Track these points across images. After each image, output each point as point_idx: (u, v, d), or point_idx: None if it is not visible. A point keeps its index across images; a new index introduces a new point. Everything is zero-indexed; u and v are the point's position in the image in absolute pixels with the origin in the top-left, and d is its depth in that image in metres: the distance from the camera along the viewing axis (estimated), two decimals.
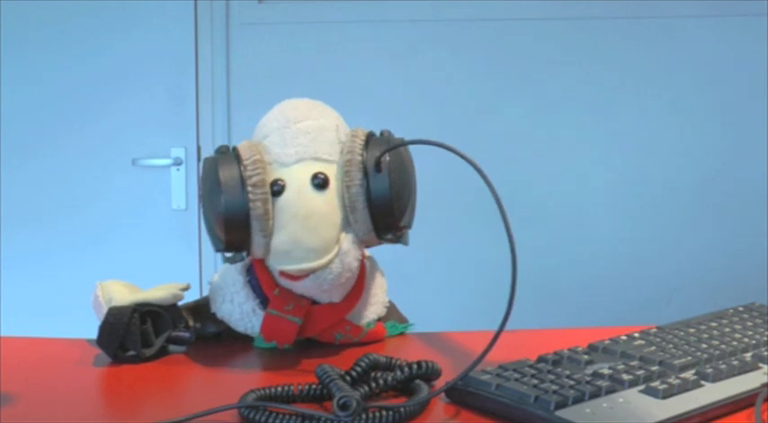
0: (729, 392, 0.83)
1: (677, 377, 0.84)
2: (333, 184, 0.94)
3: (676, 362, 0.87)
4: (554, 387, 0.80)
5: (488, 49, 2.57)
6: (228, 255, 0.96)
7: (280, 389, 0.83)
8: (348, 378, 0.84)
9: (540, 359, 0.89)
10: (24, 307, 2.55)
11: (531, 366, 0.86)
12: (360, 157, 0.93)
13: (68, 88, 2.58)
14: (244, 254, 0.95)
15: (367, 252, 1.05)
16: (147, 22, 2.57)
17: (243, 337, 1.04)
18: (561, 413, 0.76)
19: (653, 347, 0.92)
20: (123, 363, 0.99)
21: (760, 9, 2.52)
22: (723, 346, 0.93)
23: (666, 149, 2.59)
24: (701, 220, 2.59)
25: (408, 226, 0.96)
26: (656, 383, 0.82)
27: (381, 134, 0.97)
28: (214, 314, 1.04)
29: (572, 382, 0.81)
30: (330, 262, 0.93)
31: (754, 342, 0.95)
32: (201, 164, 0.98)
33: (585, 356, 0.89)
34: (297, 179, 0.94)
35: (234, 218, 0.92)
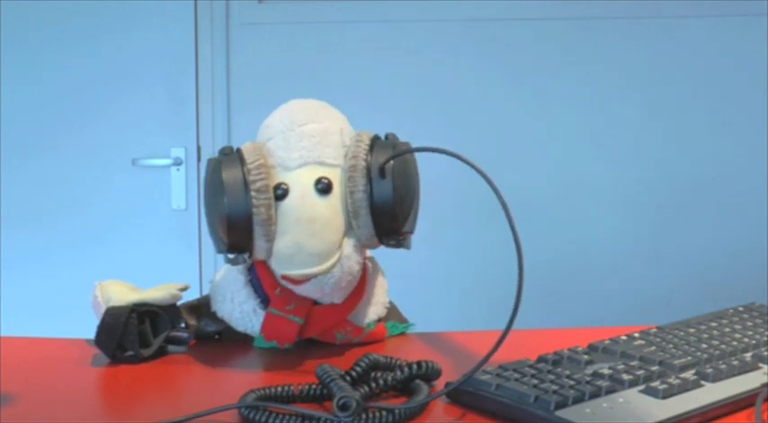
0: (729, 392, 0.83)
1: (677, 377, 0.84)
2: (336, 188, 0.94)
3: (676, 362, 0.87)
4: (554, 387, 0.80)
5: (488, 49, 2.57)
6: (231, 256, 0.96)
7: (280, 389, 0.83)
8: (348, 378, 0.84)
9: (540, 359, 0.89)
10: (24, 307, 2.55)
11: (531, 366, 0.86)
12: (364, 163, 0.93)
13: (68, 88, 2.58)
14: (246, 255, 0.95)
15: (368, 253, 1.05)
16: (147, 22, 2.57)
17: (243, 337, 1.04)
18: (561, 413, 0.76)
19: (653, 347, 0.92)
20: (122, 363, 0.99)
21: (760, 9, 2.52)
22: (723, 346, 0.93)
23: (666, 149, 2.59)
24: (701, 220, 2.59)
25: (411, 231, 0.96)
26: (656, 383, 0.82)
27: (386, 137, 0.97)
28: (214, 313, 1.04)
29: (572, 382, 0.81)
30: (332, 267, 0.93)
31: (754, 342, 0.95)
32: (205, 165, 0.98)
33: (585, 356, 0.89)
34: (300, 184, 0.94)
35: (237, 221, 0.92)
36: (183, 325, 1.04)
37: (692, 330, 0.98)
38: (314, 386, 0.84)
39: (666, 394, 0.81)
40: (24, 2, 2.55)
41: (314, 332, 1.02)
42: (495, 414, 0.81)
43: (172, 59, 2.58)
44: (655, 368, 0.86)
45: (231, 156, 0.95)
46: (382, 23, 2.57)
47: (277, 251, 0.93)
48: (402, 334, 1.10)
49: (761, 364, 0.89)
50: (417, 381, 0.86)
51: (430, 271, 2.58)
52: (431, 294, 2.55)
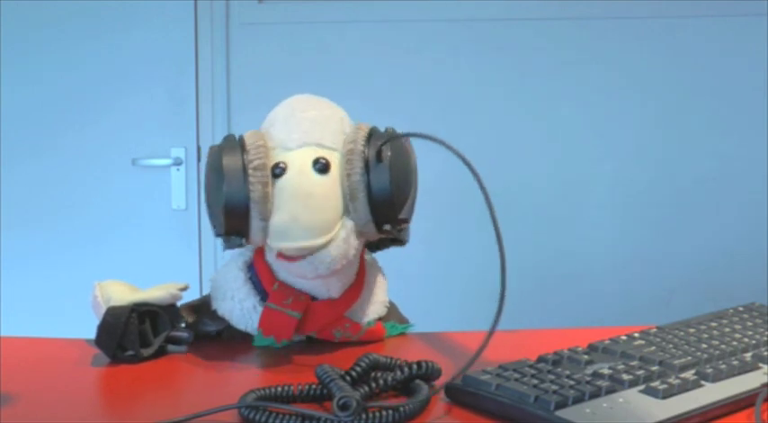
0: (729, 392, 0.83)
1: (677, 377, 0.84)
2: (334, 170, 0.95)
3: (676, 362, 0.87)
4: (554, 387, 0.80)
5: (488, 49, 2.57)
6: (227, 239, 0.96)
7: (280, 389, 0.83)
8: (348, 378, 0.84)
9: (540, 359, 0.89)
10: (24, 307, 2.55)
11: (531, 366, 0.86)
12: (362, 147, 0.94)
13: (68, 88, 2.58)
14: (243, 240, 0.95)
15: (367, 252, 1.05)
16: (147, 22, 2.57)
17: (243, 336, 1.04)
18: (561, 413, 0.76)
19: (653, 347, 0.92)
20: (122, 363, 0.99)
21: (760, 9, 2.52)
22: (723, 346, 0.93)
23: (666, 149, 2.59)
24: (701, 220, 2.59)
25: (407, 220, 0.97)
26: (656, 383, 0.82)
27: (386, 130, 0.98)
28: (215, 312, 1.04)
29: (572, 382, 0.81)
30: (328, 243, 0.93)
31: (754, 342, 0.95)
32: (207, 152, 0.99)
33: (585, 356, 0.89)
34: (299, 162, 0.95)
35: (233, 201, 0.93)
36: (183, 324, 1.04)
37: (692, 330, 0.98)
38: (314, 386, 0.84)
39: (666, 394, 0.81)
40: (24, 2, 2.55)
41: (312, 328, 1.02)
42: (494, 414, 0.81)
43: (172, 59, 2.58)
44: (655, 368, 0.86)
45: (232, 140, 0.96)
46: (382, 23, 2.57)
47: (273, 225, 0.93)
48: (401, 334, 1.10)
49: (761, 364, 0.89)
50: (417, 381, 0.86)
51: (430, 271, 2.58)
52: (430, 294, 2.55)
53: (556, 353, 0.90)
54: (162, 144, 2.60)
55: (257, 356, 1.02)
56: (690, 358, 0.89)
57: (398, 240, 1.02)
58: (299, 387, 0.84)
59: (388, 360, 0.89)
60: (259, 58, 2.57)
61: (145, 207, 2.62)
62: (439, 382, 0.88)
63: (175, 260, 2.59)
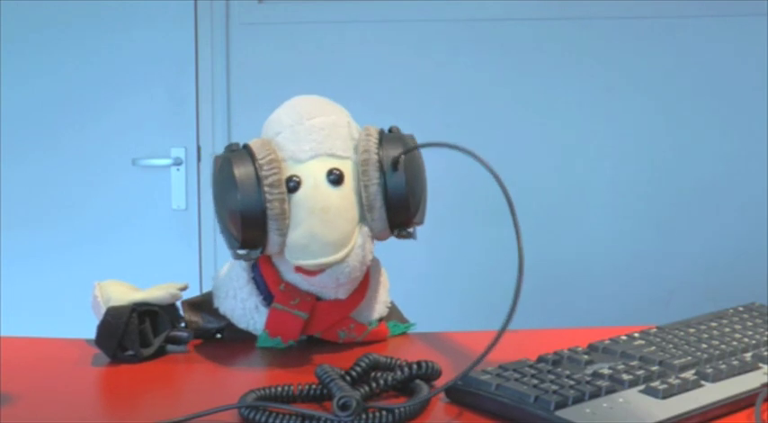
0: (729, 392, 0.83)
1: (677, 377, 0.84)
2: (348, 180, 0.95)
3: (676, 362, 0.87)
4: (554, 387, 0.80)
5: (489, 49, 2.57)
6: (242, 252, 0.96)
7: (280, 389, 0.83)
8: (348, 378, 0.84)
9: (540, 359, 0.89)
10: (24, 307, 2.55)
11: (531, 366, 0.86)
12: (376, 156, 0.94)
13: (68, 88, 2.58)
14: (258, 251, 0.95)
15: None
16: (147, 22, 2.57)
17: (244, 335, 1.04)
18: (561, 413, 0.76)
19: (653, 347, 0.92)
20: (122, 362, 0.99)
21: (760, 9, 2.52)
22: (723, 346, 0.93)
23: (666, 149, 2.59)
24: (701, 220, 2.59)
25: (421, 222, 0.98)
26: (656, 383, 0.82)
27: (390, 130, 0.98)
28: (216, 310, 1.04)
29: (572, 382, 0.81)
30: (346, 256, 0.94)
31: (754, 342, 0.95)
32: (213, 162, 0.98)
33: (585, 356, 0.89)
34: (312, 175, 0.94)
35: (251, 217, 0.92)
36: (182, 324, 1.04)
37: (692, 330, 0.98)
38: (314, 386, 0.84)
39: (666, 394, 0.81)
40: (25, 2, 2.55)
41: (318, 329, 1.02)
42: (494, 414, 0.81)
43: (172, 59, 2.58)
44: (655, 368, 0.86)
45: (240, 152, 0.95)
46: (382, 23, 2.57)
47: (291, 242, 0.93)
48: (403, 334, 1.10)
49: (761, 364, 0.89)
50: (417, 381, 0.86)
51: (430, 271, 2.58)
52: (431, 294, 2.55)
53: (556, 353, 0.90)
54: (162, 144, 2.60)
55: (257, 356, 1.02)
56: (690, 358, 0.89)
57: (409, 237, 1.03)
58: (299, 387, 0.84)
59: (388, 360, 0.89)
60: (259, 58, 2.57)
61: (145, 207, 2.62)
62: (439, 383, 0.88)
63: (175, 260, 2.59)
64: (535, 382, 0.81)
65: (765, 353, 0.92)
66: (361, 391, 0.82)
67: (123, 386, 0.93)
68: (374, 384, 0.84)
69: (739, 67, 2.55)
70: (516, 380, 0.82)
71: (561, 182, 2.60)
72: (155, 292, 1.02)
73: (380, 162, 0.94)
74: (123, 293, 1.02)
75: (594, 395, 0.80)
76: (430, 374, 0.88)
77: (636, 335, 0.97)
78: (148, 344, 1.00)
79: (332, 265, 0.94)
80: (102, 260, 2.57)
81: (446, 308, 2.54)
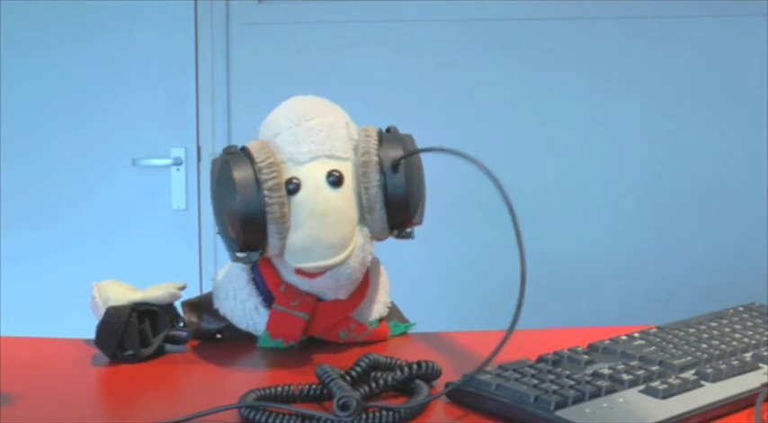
0: (729, 392, 0.83)
1: (677, 377, 0.84)
2: (348, 182, 0.95)
3: (676, 362, 0.87)
4: (554, 387, 0.80)
5: (489, 49, 2.57)
6: (242, 255, 0.95)
7: (280, 389, 0.83)
8: (348, 378, 0.84)
9: (540, 359, 0.89)
10: (24, 307, 2.55)
11: (531, 366, 0.86)
12: (376, 158, 0.94)
13: (68, 88, 2.58)
14: (258, 254, 0.94)
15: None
16: (147, 22, 2.57)
17: (244, 335, 1.04)
18: (561, 413, 0.76)
19: (653, 347, 0.92)
20: (122, 362, 0.99)
21: (760, 9, 2.52)
22: (723, 346, 0.93)
23: (666, 149, 2.59)
24: (701, 220, 2.59)
25: (419, 222, 0.98)
26: (656, 383, 0.82)
27: (388, 130, 0.98)
28: (216, 311, 1.04)
29: (572, 382, 0.81)
30: (347, 258, 0.94)
31: (754, 342, 0.95)
32: (211, 164, 0.98)
33: (585, 356, 0.89)
34: (312, 177, 0.94)
35: (251, 221, 0.91)
36: (181, 324, 1.04)
37: (692, 330, 0.98)
38: (314, 386, 0.84)
39: (666, 394, 0.81)
40: (25, 1, 2.55)
41: (319, 330, 1.02)
42: (495, 414, 0.81)
43: (172, 59, 2.58)
44: (655, 368, 0.86)
45: (239, 154, 0.94)
46: (382, 23, 2.57)
47: (291, 245, 0.93)
48: (403, 334, 1.10)
49: (761, 364, 0.89)
50: (417, 381, 0.86)
51: (430, 271, 2.58)
52: (431, 294, 2.55)
53: (556, 353, 0.90)
54: (162, 144, 2.60)
55: (257, 356, 1.02)
56: (690, 358, 0.89)
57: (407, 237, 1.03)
58: (299, 387, 0.84)
59: (388, 360, 0.89)
60: (259, 58, 2.57)
61: (145, 207, 2.62)
62: (439, 383, 0.88)
63: (175, 260, 2.59)
64: (535, 382, 0.81)
65: (765, 353, 0.92)
66: (361, 391, 0.82)
67: (123, 386, 0.93)
68: (374, 384, 0.84)
69: (739, 67, 2.55)
70: (516, 380, 0.82)
71: (561, 182, 2.60)
72: (154, 292, 1.02)
73: (380, 164, 0.94)
74: (122, 293, 1.02)
75: (594, 395, 0.80)
76: (430, 374, 0.88)
77: (636, 335, 0.97)
78: (148, 344, 1.00)
79: (332, 268, 0.94)
80: (102, 260, 2.57)
81: (447, 308, 2.54)
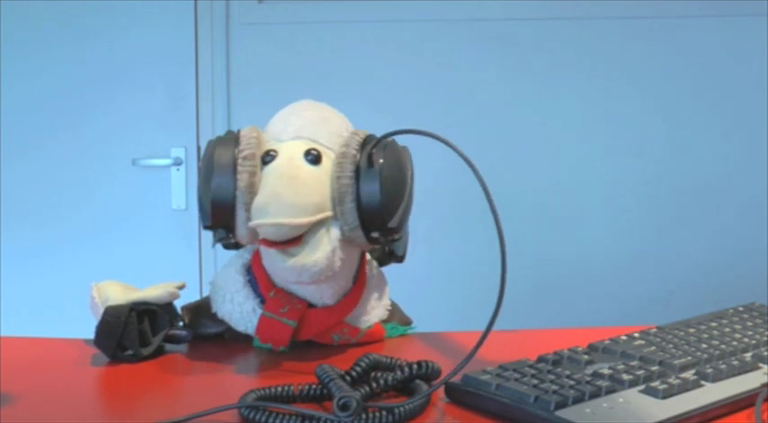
0: (729, 392, 0.83)
1: (677, 377, 0.84)
2: (326, 164, 0.94)
3: (676, 362, 0.87)
4: (554, 387, 0.80)
5: (489, 49, 2.57)
6: (216, 235, 0.97)
7: (280, 389, 0.83)
8: (348, 378, 0.84)
9: (540, 359, 0.89)
10: (24, 306, 2.55)
11: (531, 366, 0.86)
12: (354, 152, 0.93)
13: (68, 88, 2.58)
14: (229, 234, 0.95)
15: (368, 257, 1.05)
16: (148, 22, 2.57)
17: (244, 337, 1.04)
18: (561, 413, 0.76)
19: (653, 347, 0.92)
20: (121, 362, 0.99)
21: (760, 9, 2.52)
22: (723, 346, 0.93)
23: (666, 149, 2.59)
24: (701, 220, 2.59)
25: (397, 229, 0.94)
26: (656, 383, 0.82)
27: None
28: (215, 314, 1.04)
29: (572, 382, 0.81)
30: (306, 225, 0.91)
31: (754, 342, 0.95)
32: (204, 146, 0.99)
33: (585, 356, 0.89)
34: (289, 151, 0.95)
35: (220, 192, 0.92)
36: (181, 323, 1.04)
37: (692, 330, 0.98)
38: (314, 386, 0.84)
39: (666, 394, 0.81)
40: (25, 1, 2.55)
41: (309, 335, 1.01)
42: (495, 414, 0.81)
43: (172, 59, 2.58)
44: (655, 368, 0.86)
45: (229, 134, 0.97)
46: (382, 23, 2.57)
47: (254, 204, 0.92)
48: (402, 336, 1.10)
49: (761, 364, 0.89)
50: (417, 381, 0.86)
51: (430, 271, 2.58)
52: (431, 294, 2.55)
53: (556, 353, 0.90)
54: (162, 144, 2.60)
55: (257, 356, 1.02)
56: (690, 358, 0.89)
57: (395, 255, 1.02)
58: (299, 387, 0.84)
59: (389, 360, 0.89)
60: (259, 58, 2.57)
61: (145, 207, 2.62)
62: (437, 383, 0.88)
63: (175, 260, 2.59)
64: (535, 382, 0.81)
65: (765, 353, 0.92)
66: (361, 391, 0.82)
67: (123, 386, 0.93)
68: (374, 384, 0.84)
69: (739, 67, 2.55)
70: (516, 380, 0.82)
71: (561, 182, 2.60)
72: (153, 292, 1.02)
73: (357, 158, 0.93)
74: (121, 293, 1.02)
75: (594, 395, 0.80)
76: (430, 374, 0.88)
77: (636, 335, 0.97)
78: (147, 343, 1.00)
79: (291, 231, 0.90)
80: (102, 260, 2.57)
81: (446, 308, 2.54)
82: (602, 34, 2.56)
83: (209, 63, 2.58)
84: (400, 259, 1.04)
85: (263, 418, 0.78)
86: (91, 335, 1.00)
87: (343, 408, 0.76)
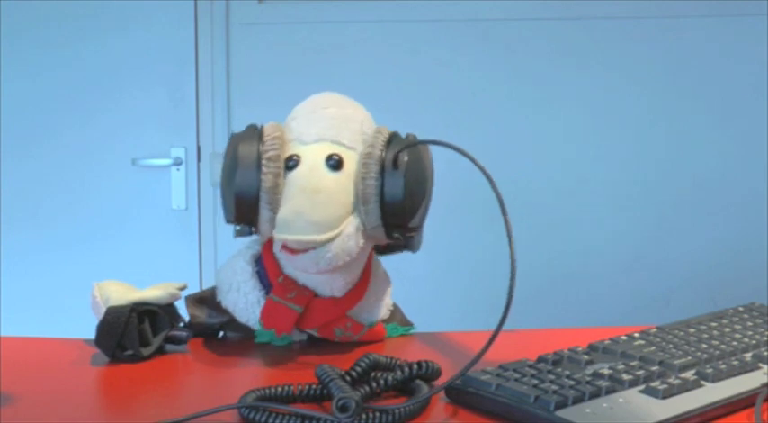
0: (729, 392, 0.83)
1: (677, 377, 0.84)
2: (348, 168, 0.95)
3: (676, 362, 0.87)
4: (554, 387, 0.80)
5: (488, 49, 2.57)
6: (237, 228, 0.97)
7: (280, 389, 0.83)
8: (348, 378, 0.84)
9: (540, 359, 0.89)
10: (24, 306, 2.55)
11: (531, 366, 0.86)
12: (380, 152, 0.94)
13: (68, 88, 2.58)
14: (252, 229, 0.96)
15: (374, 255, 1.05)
16: (148, 22, 2.57)
17: (244, 332, 1.04)
18: (561, 413, 0.76)
19: (653, 347, 0.92)
20: (121, 362, 0.99)
21: (760, 9, 2.52)
22: (723, 346, 0.93)
23: (666, 149, 2.59)
24: (702, 219, 2.59)
25: (417, 228, 0.97)
26: (656, 383, 0.82)
27: (407, 136, 0.98)
28: (219, 303, 1.05)
29: (572, 382, 0.81)
30: (330, 240, 0.93)
31: (754, 342, 0.95)
32: (228, 139, 0.99)
33: (585, 356, 0.89)
34: (312, 156, 0.95)
35: (245, 189, 0.94)
36: (181, 324, 1.04)
37: (692, 330, 0.98)
38: (314, 386, 0.84)
39: (666, 394, 0.81)
40: (25, 1, 2.55)
41: (313, 325, 1.02)
42: (495, 414, 0.81)
43: (172, 59, 2.58)
44: (655, 368, 0.86)
45: (252, 130, 0.97)
46: (382, 23, 2.57)
47: (278, 217, 0.94)
48: (402, 336, 1.10)
49: (761, 364, 0.89)
50: (417, 381, 0.86)
51: (430, 271, 2.58)
52: (431, 294, 2.55)
53: (556, 353, 0.90)
54: (162, 144, 2.60)
55: (257, 356, 1.02)
56: (690, 358, 0.89)
57: (409, 247, 1.02)
58: (299, 387, 0.84)
59: (389, 360, 0.89)
60: (259, 57, 2.57)
61: (145, 207, 2.62)
62: (439, 383, 0.88)
63: (175, 260, 2.59)
64: (535, 382, 0.81)
65: (765, 353, 0.92)
66: (361, 391, 0.82)
67: (123, 386, 0.93)
68: (374, 384, 0.84)
69: (739, 67, 2.55)
70: (516, 380, 0.82)
71: (561, 181, 2.60)
72: (154, 292, 1.02)
73: (383, 159, 0.94)
74: (122, 293, 1.02)
75: (594, 395, 0.80)
76: (430, 374, 0.88)
77: (636, 335, 0.97)
78: (148, 343, 1.00)
79: (313, 246, 0.93)
80: (102, 260, 2.57)
81: (446, 308, 2.54)
82: (602, 34, 2.56)
83: (209, 63, 2.58)
84: (413, 251, 1.04)
85: (263, 419, 0.78)
86: (91, 335, 1.00)
87: (342, 409, 0.76)
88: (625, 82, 2.57)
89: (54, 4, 2.56)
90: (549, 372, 0.84)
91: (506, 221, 0.82)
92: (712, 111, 2.57)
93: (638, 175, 2.59)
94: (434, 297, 2.55)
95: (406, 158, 0.94)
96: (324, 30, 2.56)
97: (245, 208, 0.94)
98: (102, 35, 2.57)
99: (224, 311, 1.05)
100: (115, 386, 0.94)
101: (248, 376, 0.97)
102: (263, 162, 0.93)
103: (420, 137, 0.98)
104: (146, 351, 0.99)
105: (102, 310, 0.99)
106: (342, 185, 0.95)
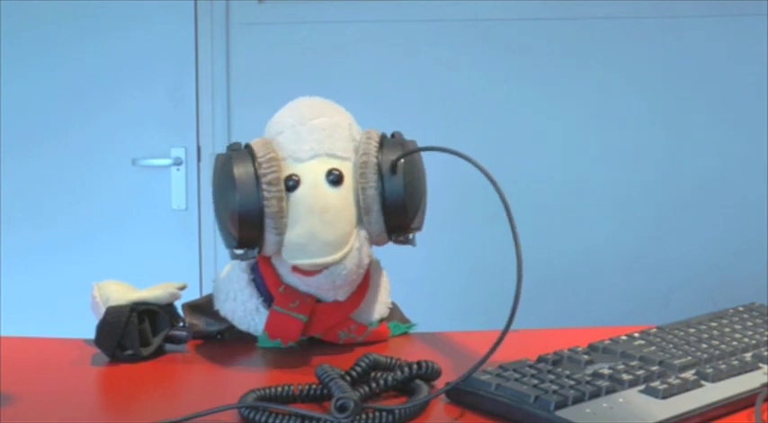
0: (729, 392, 0.83)
1: (677, 377, 0.84)
2: (347, 181, 0.95)
3: (676, 362, 0.87)
4: (554, 387, 0.80)
5: (488, 49, 2.57)
6: (240, 252, 0.95)
7: (280, 389, 0.83)
8: (348, 378, 0.84)
9: (540, 359, 0.89)
10: (24, 306, 2.55)
11: (531, 366, 0.86)
12: (375, 159, 0.94)
13: (68, 88, 2.58)
14: (255, 251, 0.95)
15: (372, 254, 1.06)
16: (148, 22, 2.57)
17: (245, 337, 1.04)
18: (561, 413, 0.76)
19: (653, 347, 0.92)
20: (121, 362, 0.99)
21: (760, 9, 2.52)
22: (723, 346, 0.93)
23: (666, 149, 2.59)
24: (701, 220, 2.59)
25: (419, 228, 0.97)
26: (656, 383, 0.82)
27: (393, 136, 0.98)
28: (217, 312, 1.04)
29: (572, 382, 0.81)
30: (345, 256, 0.93)
31: (754, 342, 0.95)
32: (214, 160, 0.98)
33: (585, 356, 0.89)
34: (312, 174, 0.94)
35: (248, 216, 0.92)
36: (181, 324, 1.04)
37: (692, 330, 0.98)
38: (314, 386, 0.84)
39: (666, 394, 0.81)
40: (25, 1, 2.55)
41: (318, 330, 1.02)
42: (495, 414, 0.81)
43: (172, 59, 2.58)
44: (655, 368, 0.86)
45: (241, 151, 0.95)
46: (382, 23, 2.57)
47: (289, 242, 0.93)
48: (404, 334, 1.10)
49: (761, 364, 0.89)
50: (417, 381, 0.86)
51: (430, 271, 2.58)
52: (431, 294, 2.55)
53: (556, 353, 0.90)
54: (162, 144, 2.60)
55: (257, 356, 1.02)
56: (690, 358, 0.89)
57: (408, 243, 1.02)
58: (299, 387, 0.84)
59: (389, 360, 0.89)
60: (259, 57, 2.57)
61: (145, 207, 2.62)
62: (439, 383, 0.88)
63: (175, 260, 2.59)
64: (535, 382, 0.81)
65: (765, 353, 0.92)
66: (361, 391, 0.82)
67: (123, 386, 0.93)
68: (374, 384, 0.84)
69: (739, 67, 2.55)
70: (516, 380, 0.82)
71: (561, 182, 2.60)
72: (154, 292, 1.02)
73: (379, 165, 0.94)
74: (122, 293, 1.02)
75: (594, 395, 0.80)
76: (430, 374, 0.88)
77: (636, 335, 0.97)
78: (148, 343, 1.00)
79: (329, 266, 0.94)
80: (102, 260, 2.57)
81: (446, 308, 2.54)
82: (602, 34, 2.56)
83: (209, 63, 2.58)
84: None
85: (263, 419, 0.78)
86: (91, 335, 1.00)
87: (341, 409, 0.77)
88: (625, 82, 2.57)
89: (54, 4, 2.56)
90: (549, 372, 0.84)
91: (513, 227, 0.83)
92: (712, 111, 2.57)
93: (637, 175, 2.59)
94: (434, 297, 2.55)
95: (402, 161, 0.94)
96: (324, 30, 2.56)
97: (249, 233, 0.93)
98: (102, 35, 2.57)
99: (222, 319, 1.05)
100: (115, 386, 0.94)
101: (248, 376, 0.97)
102: (264, 187, 0.92)
103: (416, 136, 0.98)
104: (146, 351, 0.99)
105: (102, 310, 0.99)
106: (345, 201, 0.94)
